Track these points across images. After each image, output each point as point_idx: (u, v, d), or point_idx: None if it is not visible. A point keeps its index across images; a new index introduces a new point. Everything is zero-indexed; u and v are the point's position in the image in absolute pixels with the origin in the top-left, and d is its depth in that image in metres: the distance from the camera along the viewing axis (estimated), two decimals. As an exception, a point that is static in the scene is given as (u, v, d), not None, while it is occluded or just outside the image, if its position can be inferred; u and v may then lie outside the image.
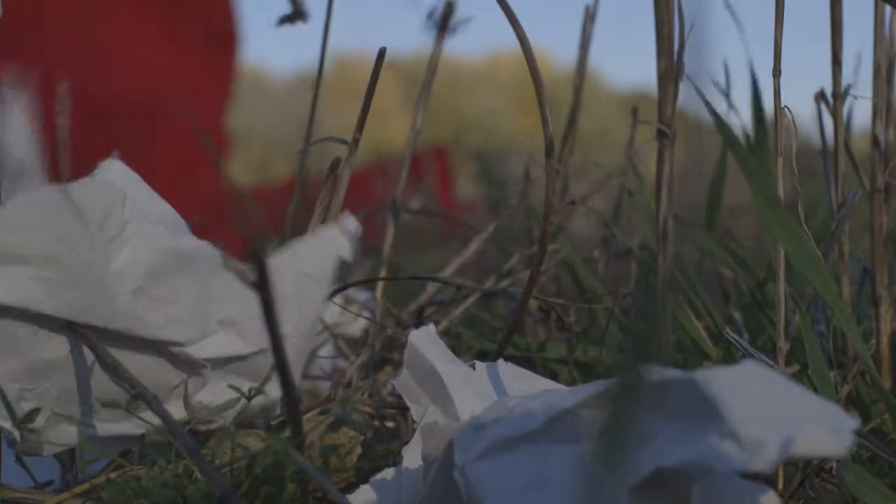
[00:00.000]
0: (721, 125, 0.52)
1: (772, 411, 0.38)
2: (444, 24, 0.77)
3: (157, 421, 0.56)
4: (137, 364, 0.56)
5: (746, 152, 0.52)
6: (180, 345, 0.56)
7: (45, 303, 0.53)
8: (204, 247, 0.56)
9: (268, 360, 0.58)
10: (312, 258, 0.58)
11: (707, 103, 0.51)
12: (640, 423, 0.36)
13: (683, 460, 0.40)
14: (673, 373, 0.42)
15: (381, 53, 0.65)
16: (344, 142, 0.65)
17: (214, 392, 0.59)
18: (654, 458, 0.40)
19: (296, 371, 0.59)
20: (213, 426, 0.60)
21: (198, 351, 0.56)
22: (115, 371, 0.55)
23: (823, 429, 0.37)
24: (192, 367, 0.57)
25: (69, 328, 0.54)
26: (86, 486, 0.56)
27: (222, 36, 2.46)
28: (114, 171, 0.59)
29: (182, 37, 2.37)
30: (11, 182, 0.77)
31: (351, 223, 0.59)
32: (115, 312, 0.54)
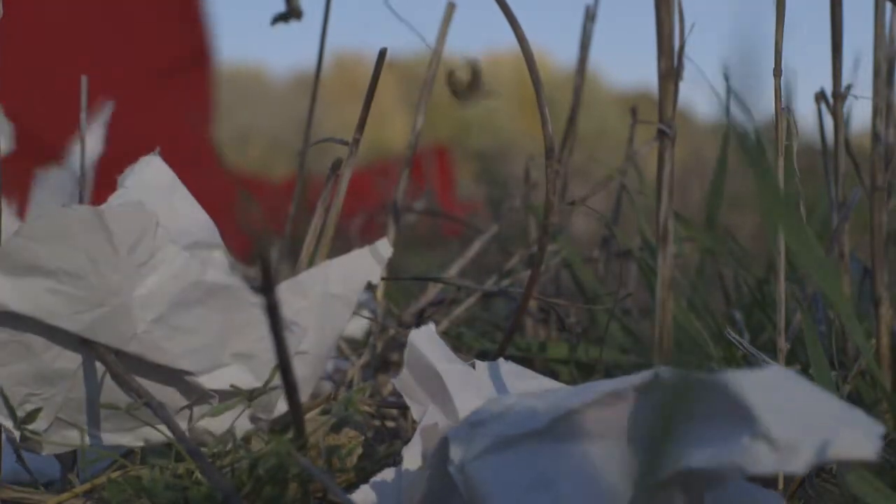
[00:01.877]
0: (729, 120, 0.51)
1: (804, 415, 0.38)
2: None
3: (159, 434, 0.56)
4: (146, 385, 0.56)
5: (753, 145, 0.51)
6: (192, 374, 0.56)
7: (61, 317, 0.53)
8: (231, 280, 0.55)
9: (277, 396, 0.58)
10: (341, 280, 0.58)
11: (715, 101, 0.50)
12: (685, 428, 0.36)
13: (713, 461, 0.40)
14: (700, 374, 0.42)
15: (382, 53, 0.65)
16: (344, 142, 0.65)
17: (219, 420, 0.58)
18: (681, 458, 0.40)
19: (306, 389, 0.59)
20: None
21: (208, 381, 0.56)
22: (122, 382, 0.55)
23: (857, 433, 0.37)
24: (200, 395, 0.57)
25: (83, 342, 0.54)
26: (87, 485, 0.56)
27: (197, 52, 2.45)
28: (153, 168, 0.58)
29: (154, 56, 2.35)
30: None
31: (385, 248, 0.59)
32: (133, 337, 0.54)
